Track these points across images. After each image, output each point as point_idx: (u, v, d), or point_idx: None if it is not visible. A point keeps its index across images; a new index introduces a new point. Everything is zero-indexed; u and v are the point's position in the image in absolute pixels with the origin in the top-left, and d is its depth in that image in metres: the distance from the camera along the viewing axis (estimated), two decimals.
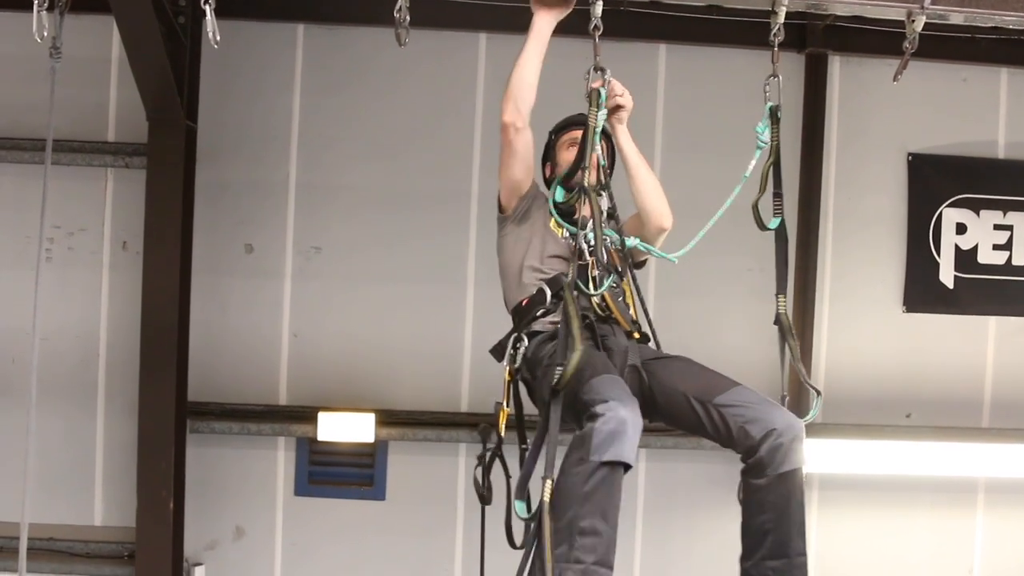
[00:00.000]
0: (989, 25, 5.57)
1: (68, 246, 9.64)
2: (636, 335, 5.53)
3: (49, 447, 9.26)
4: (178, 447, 9.32)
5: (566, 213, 5.61)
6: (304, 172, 9.85)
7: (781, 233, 5.49)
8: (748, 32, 7.91)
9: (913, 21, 5.29)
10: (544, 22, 5.49)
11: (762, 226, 5.45)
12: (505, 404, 5.60)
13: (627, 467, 4.72)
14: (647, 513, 10.03)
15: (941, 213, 10.15)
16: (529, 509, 5.00)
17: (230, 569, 9.89)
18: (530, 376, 5.52)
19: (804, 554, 5.05)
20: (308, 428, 9.67)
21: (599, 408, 4.73)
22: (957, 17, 5.44)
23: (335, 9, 9.71)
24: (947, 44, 9.47)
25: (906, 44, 5.35)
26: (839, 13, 5.70)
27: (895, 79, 5.45)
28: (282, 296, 9.86)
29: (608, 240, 5.56)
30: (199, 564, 9.78)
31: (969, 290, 10.21)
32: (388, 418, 9.74)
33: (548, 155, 6.16)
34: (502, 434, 5.63)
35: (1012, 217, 10.21)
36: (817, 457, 9.65)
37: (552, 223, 5.73)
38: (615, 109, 5.55)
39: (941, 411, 10.17)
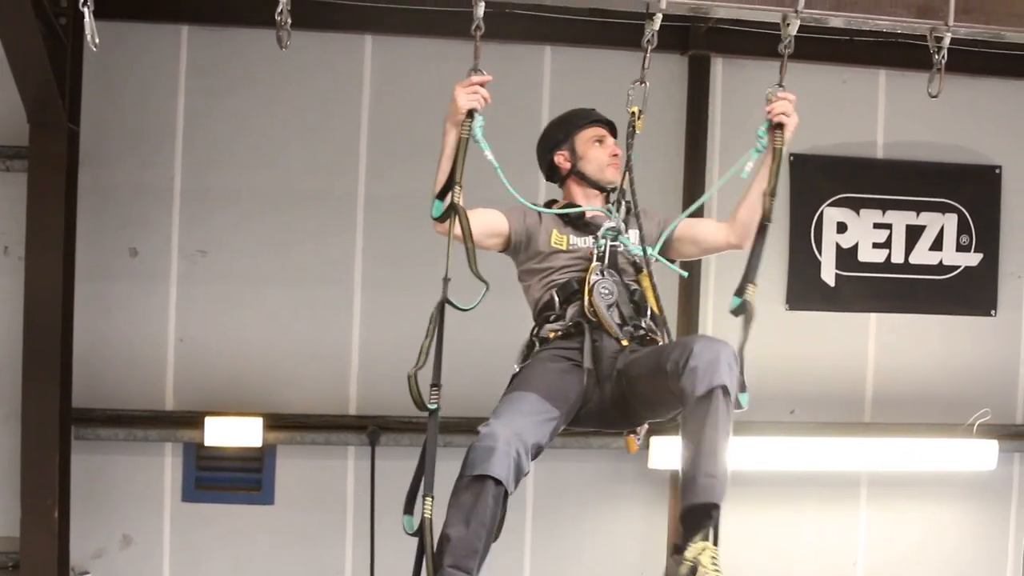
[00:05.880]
0: (866, 28, 5.70)
1: None
2: (625, 342, 5.40)
3: None
4: (63, 454, 9.18)
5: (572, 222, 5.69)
6: (189, 175, 9.74)
7: (763, 229, 5.78)
8: (633, 34, 7.99)
9: (788, 24, 5.43)
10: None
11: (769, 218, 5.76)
12: None
13: (498, 482, 4.75)
14: (536, 515, 10.07)
15: (822, 212, 10.33)
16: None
17: None
18: None
19: (714, 476, 4.97)
20: (195, 433, 9.57)
21: (480, 428, 4.87)
22: (836, 21, 5.58)
23: (219, 11, 9.60)
24: (826, 46, 9.65)
25: (781, 47, 5.48)
26: (720, 16, 5.78)
27: (779, 84, 5.55)
28: (167, 300, 9.75)
29: (621, 247, 5.63)
30: (86, 573, 9.65)
31: (850, 288, 10.40)
32: (276, 422, 9.68)
33: (559, 146, 5.85)
34: None
35: (891, 216, 10.42)
36: None
37: (553, 238, 5.63)
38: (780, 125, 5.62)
39: (824, 407, 10.35)
